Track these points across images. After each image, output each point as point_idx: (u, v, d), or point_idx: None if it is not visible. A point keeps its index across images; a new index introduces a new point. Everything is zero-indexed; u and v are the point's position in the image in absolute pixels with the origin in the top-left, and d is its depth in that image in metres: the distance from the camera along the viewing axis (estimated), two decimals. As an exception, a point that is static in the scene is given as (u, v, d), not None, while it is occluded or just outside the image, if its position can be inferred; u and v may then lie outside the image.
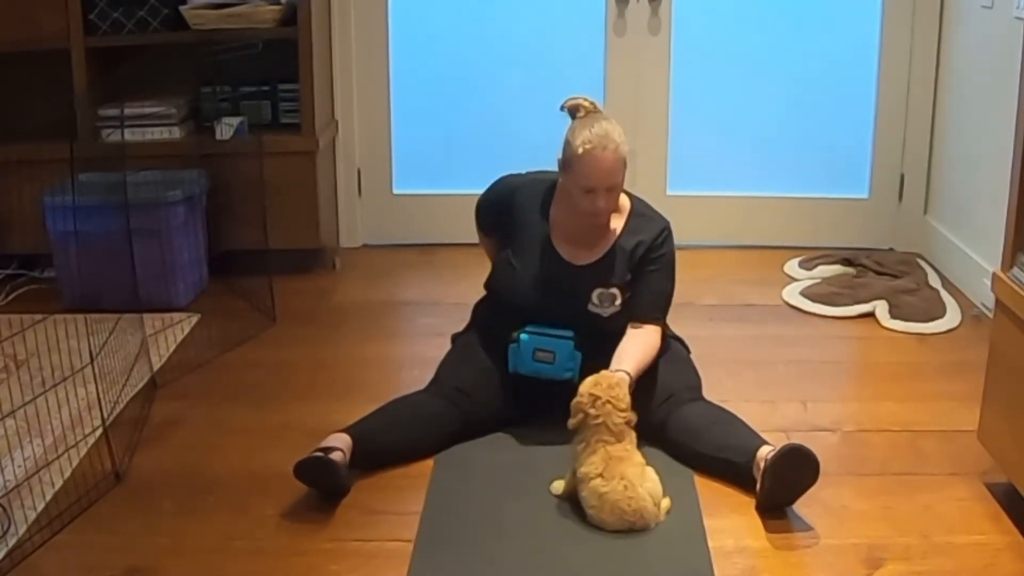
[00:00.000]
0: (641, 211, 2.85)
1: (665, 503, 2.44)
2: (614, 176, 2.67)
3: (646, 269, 2.80)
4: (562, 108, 2.75)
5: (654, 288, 2.81)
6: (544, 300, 2.79)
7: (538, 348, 2.74)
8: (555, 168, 2.77)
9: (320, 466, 2.48)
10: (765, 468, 2.42)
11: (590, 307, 2.78)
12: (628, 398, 2.53)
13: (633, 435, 2.50)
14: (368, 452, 2.62)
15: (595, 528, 2.39)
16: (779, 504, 2.46)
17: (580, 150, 2.64)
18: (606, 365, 2.68)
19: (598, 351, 2.73)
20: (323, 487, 2.53)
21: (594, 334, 2.77)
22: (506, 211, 2.89)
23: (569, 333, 2.75)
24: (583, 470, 2.43)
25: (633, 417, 2.52)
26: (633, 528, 2.37)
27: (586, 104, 2.72)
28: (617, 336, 2.77)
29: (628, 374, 2.61)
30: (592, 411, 2.48)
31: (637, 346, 2.73)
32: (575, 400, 2.52)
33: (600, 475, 2.39)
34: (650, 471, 2.45)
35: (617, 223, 2.83)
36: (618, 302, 2.79)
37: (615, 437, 2.45)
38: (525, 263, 2.83)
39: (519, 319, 2.79)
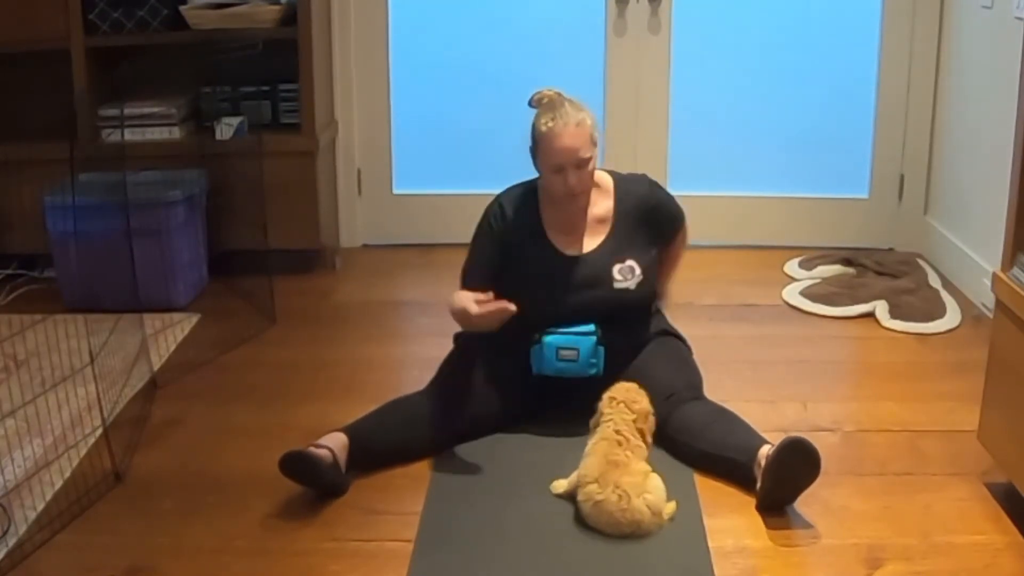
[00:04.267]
0: (620, 177, 2.92)
1: (670, 508, 2.42)
2: (579, 151, 2.70)
3: (658, 221, 2.89)
4: (530, 103, 2.80)
5: (671, 219, 2.94)
6: (573, 300, 2.80)
7: (561, 347, 2.75)
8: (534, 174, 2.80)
9: (301, 461, 2.48)
10: (766, 463, 2.42)
11: (616, 285, 2.81)
12: (647, 404, 2.57)
13: (642, 445, 2.50)
14: (364, 451, 2.62)
15: (595, 529, 2.38)
16: (780, 501, 2.46)
17: (543, 128, 2.71)
18: (629, 354, 2.77)
19: (621, 339, 2.77)
20: (307, 482, 2.52)
21: (623, 314, 2.81)
22: (502, 240, 2.85)
23: (591, 328, 2.76)
24: (581, 472, 2.44)
25: (647, 423, 2.54)
26: (630, 536, 2.36)
27: (550, 93, 2.79)
28: (644, 308, 2.88)
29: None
30: (607, 410, 2.53)
31: (673, 262, 3.01)
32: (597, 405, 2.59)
33: (595, 481, 2.39)
34: (653, 480, 2.42)
35: (608, 200, 2.86)
36: (638, 271, 2.82)
37: (619, 437, 2.46)
38: (539, 277, 2.82)
39: (548, 325, 2.78)
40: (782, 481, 2.42)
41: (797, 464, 2.40)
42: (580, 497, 2.41)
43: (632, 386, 2.61)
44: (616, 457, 2.42)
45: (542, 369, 2.77)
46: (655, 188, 2.93)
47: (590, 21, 4.27)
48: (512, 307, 2.59)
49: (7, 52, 3.86)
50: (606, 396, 2.58)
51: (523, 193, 2.88)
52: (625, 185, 2.89)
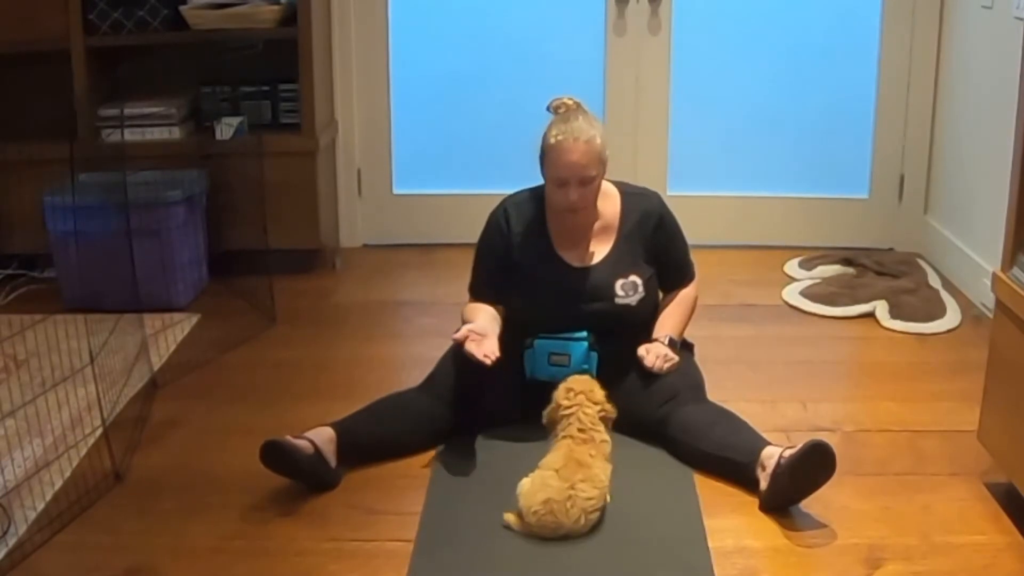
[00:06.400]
0: (629, 191, 2.90)
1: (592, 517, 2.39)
2: (585, 169, 2.69)
3: (659, 245, 2.87)
4: (548, 108, 2.78)
5: (675, 258, 2.92)
6: (575, 312, 2.79)
7: (553, 352, 2.76)
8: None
9: (277, 450, 2.48)
10: (786, 463, 2.41)
11: (618, 300, 2.80)
12: (603, 392, 2.57)
13: (607, 440, 2.50)
14: (353, 444, 2.62)
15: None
16: (790, 502, 2.45)
17: (552, 140, 2.70)
18: (625, 360, 2.75)
19: (615, 346, 2.76)
20: (286, 472, 2.53)
21: (623, 328, 2.80)
22: (505, 250, 2.85)
23: (583, 334, 2.76)
24: (543, 461, 2.43)
25: (610, 409, 2.55)
26: (541, 527, 2.34)
27: (568, 102, 2.76)
28: (645, 323, 2.86)
29: (670, 336, 2.83)
30: (564, 402, 2.53)
31: (676, 309, 2.91)
32: (552, 395, 2.58)
33: (557, 470, 2.38)
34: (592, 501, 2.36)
35: (613, 212, 2.85)
36: (640, 288, 2.82)
37: (584, 433, 2.46)
38: (543, 287, 2.81)
39: (545, 331, 2.79)
40: (800, 482, 2.41)
41: (820, 467, 2.39)
42: (533, 473, 2.39)
43: (586, 377, 2.62)
44: (582, 456, 2.41)
45: (535, 373, 2.78)
46: (662, 205, 2.90)
47: (590, 21, 4.27)
48: (489, 362, 2.55)
49: (7, 52, 3.86)
50: (562, 387, 2.57)
51: (530, 200, 2.87)
52: (631, 199, 2.88)
